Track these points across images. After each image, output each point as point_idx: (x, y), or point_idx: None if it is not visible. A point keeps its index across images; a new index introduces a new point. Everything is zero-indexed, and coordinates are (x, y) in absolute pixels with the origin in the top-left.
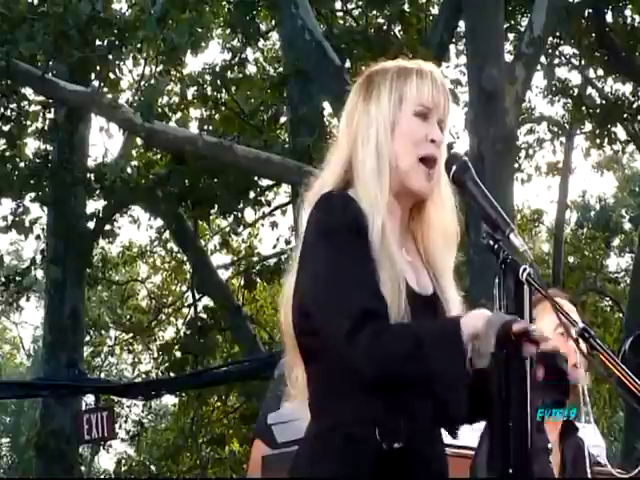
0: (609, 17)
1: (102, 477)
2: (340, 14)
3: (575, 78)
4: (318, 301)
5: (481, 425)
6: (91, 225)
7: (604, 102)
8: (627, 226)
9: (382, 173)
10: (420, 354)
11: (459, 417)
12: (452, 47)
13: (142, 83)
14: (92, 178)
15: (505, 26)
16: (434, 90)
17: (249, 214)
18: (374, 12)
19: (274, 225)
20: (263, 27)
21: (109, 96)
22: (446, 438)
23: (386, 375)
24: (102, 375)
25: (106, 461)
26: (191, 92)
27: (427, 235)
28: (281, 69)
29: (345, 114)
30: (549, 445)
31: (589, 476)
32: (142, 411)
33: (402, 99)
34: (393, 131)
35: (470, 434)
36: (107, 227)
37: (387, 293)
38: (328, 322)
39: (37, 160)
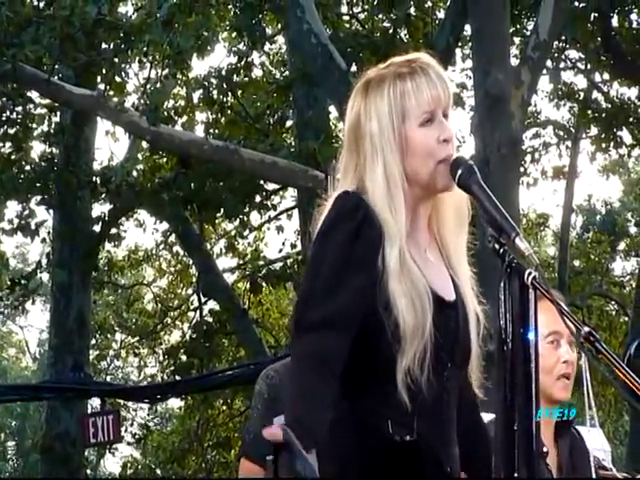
0: (615, 21)
1: None
2: (346, 18)
3: (581, 82)
4: (300, 292)
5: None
6: (97, 228)
7: (610, 106)
8: (633, 230)
9: (396, 198)
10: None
11: None
12: (458, 51)
13: (148, 86)
14: (98, 181)
15: (511, 30)
16: (431, 89)
17: (255, 218)
18: (380, 16)
19: (280, 229)
20: (269, 31)
21: (115, 99)
22: None
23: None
24: (108, 378)
25: (112, 464)
26: (197, 95)
27: (441, 218)
28: (287, 73)
29: (348, 132)
30: (544, 449)
31: (592, 469)
32: (148, 414)
33: (404, 115)
34: (403, 151)
35: None
36: (113, 230)
37: (410, 324)
38: (294, 309)
39: (43, 163)
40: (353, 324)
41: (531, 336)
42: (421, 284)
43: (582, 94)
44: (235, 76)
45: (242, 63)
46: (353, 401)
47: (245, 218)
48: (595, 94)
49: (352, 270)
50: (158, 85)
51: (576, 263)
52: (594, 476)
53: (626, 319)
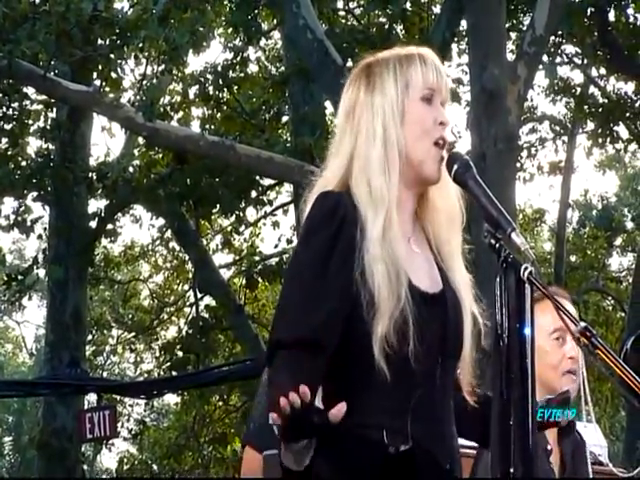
0: (611, 16)
1: (104, 477)
2: (342, 13)
3: (577, 77)
4: (277, 306)
5: None
6: (93, 224)
7: (606, 101)
8: (629, 225)
9: (391, 163)
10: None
11: None
12: (454, 46)
13: (144, 82)
14: (94, 177)
15: (507, 25)
16: (437, 74)
17: (251, 213)
18: (376, 11)
19: (276, 224)
20: (265, 26)
21: (111, 95)
22: None
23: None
24: (104, 374)
25: (108, 460)
26: (193, 91)
27: (432, 218)
28: (283, 68)
29: (344, 109)
30: (548, 447)
31: (590, 473)
32: (144, 410)
33: (408, 85)
34: (402, 119)
35: None
36: (109, 226)
37: (385, 291)
38: (272, 327)
39: (39, 159)
40: (328, 342)
41: (527, 331)
42: (399, 263)
43: (579, 89)
44: (231, 72)
45: (238, 59)
46: (345, 414)
47: (241, 214)
48: (592, 89)
49: (331, 278)
50: (154, 81)
51: (572, 258)
52: (590, 469)
53: (622, 315)
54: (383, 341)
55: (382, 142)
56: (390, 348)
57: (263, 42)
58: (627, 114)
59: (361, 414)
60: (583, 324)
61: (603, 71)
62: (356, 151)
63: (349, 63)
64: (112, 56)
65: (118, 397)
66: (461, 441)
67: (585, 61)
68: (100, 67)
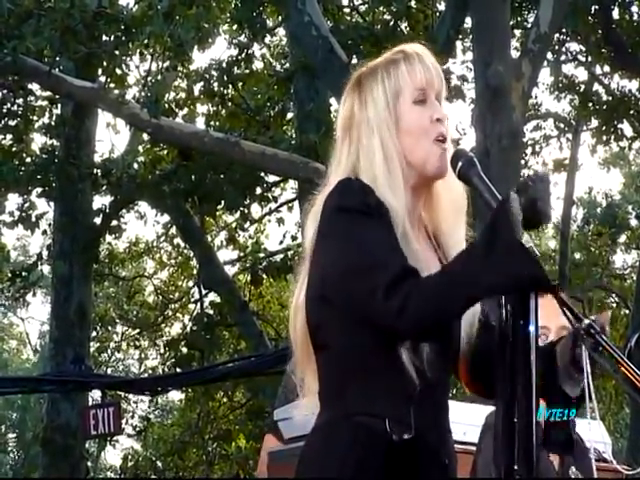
0: (616, 13)
1: (108, 474)
2: (347, 10)
3: (582, 74)
4: (341, 268)
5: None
6: (97, 221)
7: (611, 98)
8: (633, 222)
9: (395, 177)
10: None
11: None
12: (458, 43)
13: (149, 79)
14: (99, 174)
15: (511, 22)
16: (424, 70)
17: (255, 210)
18: (381, 8)
19: (280, 221)
20: (270, 23)
21: (116, 92)
22: (455, 435)
23: (434, 318)
24: (109, 371)
25: (112, 456)
26: (198, 88)
27: (437, 210)
28: (288, 65)
29: (341, 125)
30: None
31: (594, 470)
32: (148, 407)
33: (398, 93)
34: (398, 129)
35: (477, 431)
36: (114, 223)
37: None
38: (358, 280)
39: (44, 155)
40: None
41: (531, 329)
42: (422, 265)
43: (583, 86)
44: (236, 68)
45: (243, 55)
46: (345, 404)
47: (246, 210)
48: (596, 86)
49: (385, 231)
50: (159, 77)
51: (577, 256)
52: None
53: (627, 312)
54: (409, 349)
55: (382, 157)
56: (414, 353)
57: (268, 39)
58: (631, 111)
59: (365, 402)
60: (587, 321)
61: (607, 69)
62: (359, 169)
63: (354, 60)
64: (117, 52)
65: (122, 394)
66: (465, 438)
67: (589, 59)
68: (105, 63)
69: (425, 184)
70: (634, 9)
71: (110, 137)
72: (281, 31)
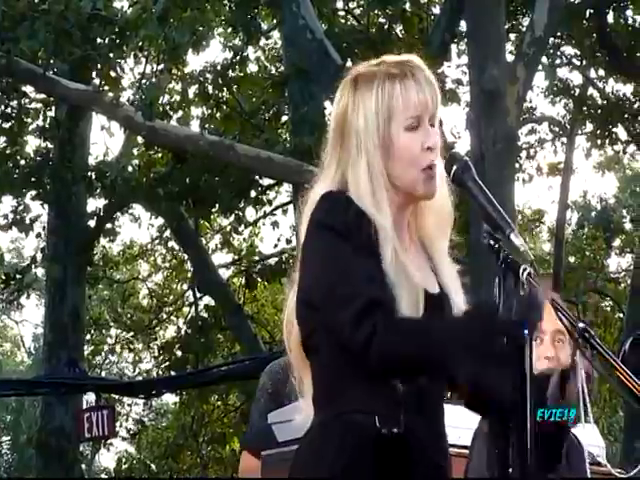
0: (610, 17)
1: (103, 476)
2: (342, 13)
3: (576, 78)
4: (322, 289)
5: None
6: (92, 223)
7: (605, 102)
8: (628, 226)
9: (378, 197)
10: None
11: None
12: (453, 47)
13: (143, 81)
14: (93, 176)
15: (506, 26)
16: (419, 93)
17: (250, 213)
18: (376, 11)
19: (275, 224)
20: (264, 26)
21: (110, 94)
22: (449, 438)
23: (399, 358)
24: (103, 373)
25: (107, 459)
26: (192, 91)
27: (422, 218)
28: (282, 68)
29: (334, 121)
30: None
31: (588, 473)
32: (143, 410)
33: (390, 118)
34: (388, 155)
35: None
36: (108, 225)
37: (405, 307)
38: (333, 309)
39: (38, 158)
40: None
41: (526, 332)
42: (415, 279)
43: (577, 90)
44: (230, 71)
45: (237, 58)
46: (337, 406)
47: (240, 213)
48: (590, 90)
49: (362, 257)
50: (153, 80)
51: (571, 259)
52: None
53: (621, 315)
54: None
55: (368, 179)
56: None
57: (263, 42)
58: (626, 115)
59: (355, 402)
60: (582, 325)
61: (602, 72)
62: (347, 180)
63: (349, 63)
64: (111, 55)
65: (117, 397)
66: (460, 442)
67: (584, 62)
68: (99, 66)
69: (412, 202)
70: (629, 13)
71: (104, 140)
72: (276, 34)
